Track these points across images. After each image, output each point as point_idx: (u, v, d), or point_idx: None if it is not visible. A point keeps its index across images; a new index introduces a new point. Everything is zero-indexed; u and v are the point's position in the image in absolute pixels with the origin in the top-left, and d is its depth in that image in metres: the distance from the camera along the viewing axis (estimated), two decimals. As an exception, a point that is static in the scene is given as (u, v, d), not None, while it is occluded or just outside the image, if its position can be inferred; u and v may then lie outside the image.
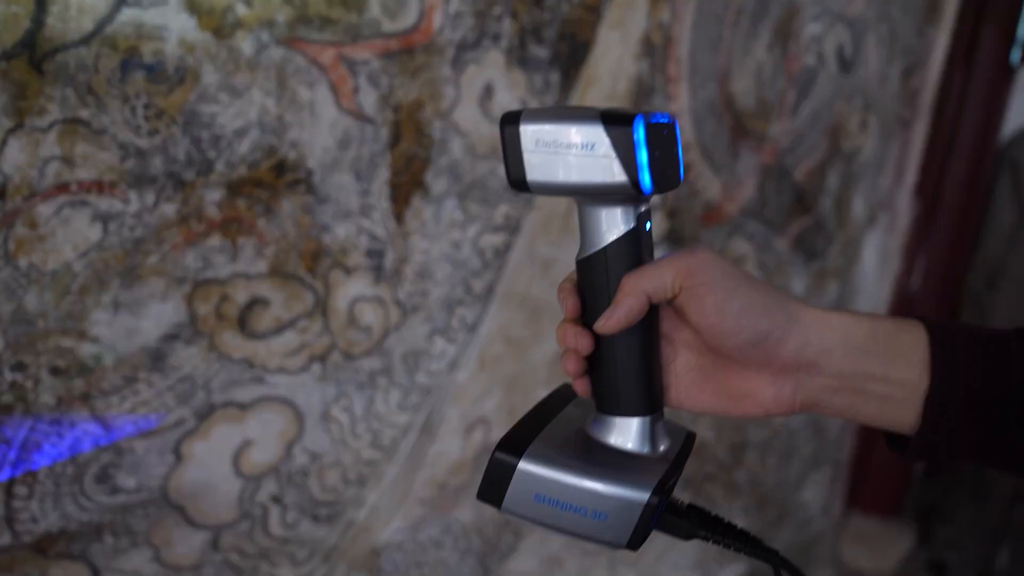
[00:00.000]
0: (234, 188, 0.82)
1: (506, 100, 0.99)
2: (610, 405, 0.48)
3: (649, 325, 0.46)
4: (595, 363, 0.48)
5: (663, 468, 0.46)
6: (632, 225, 0.45)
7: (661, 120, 0.43)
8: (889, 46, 1.59)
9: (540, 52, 1.01)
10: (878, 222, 1.75)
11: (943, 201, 1.78)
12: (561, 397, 0.53)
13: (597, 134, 0.42)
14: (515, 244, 1.07)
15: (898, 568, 1.99)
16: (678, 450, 0.48)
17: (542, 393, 1.17)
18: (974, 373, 0.44)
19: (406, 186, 0.94)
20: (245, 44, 0.79)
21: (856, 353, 0.44)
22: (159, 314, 0.80)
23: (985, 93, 1.72)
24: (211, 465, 0.89)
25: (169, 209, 0.78)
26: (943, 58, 1.69)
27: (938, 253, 1.81)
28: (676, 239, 1.29)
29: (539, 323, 1.14)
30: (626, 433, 0.47)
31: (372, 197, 0.92)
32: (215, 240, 0.82)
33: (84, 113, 0.71)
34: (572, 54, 1.04)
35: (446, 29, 0.92)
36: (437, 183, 0.97)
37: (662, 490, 0.45)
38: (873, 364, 0.44)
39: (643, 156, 0.41)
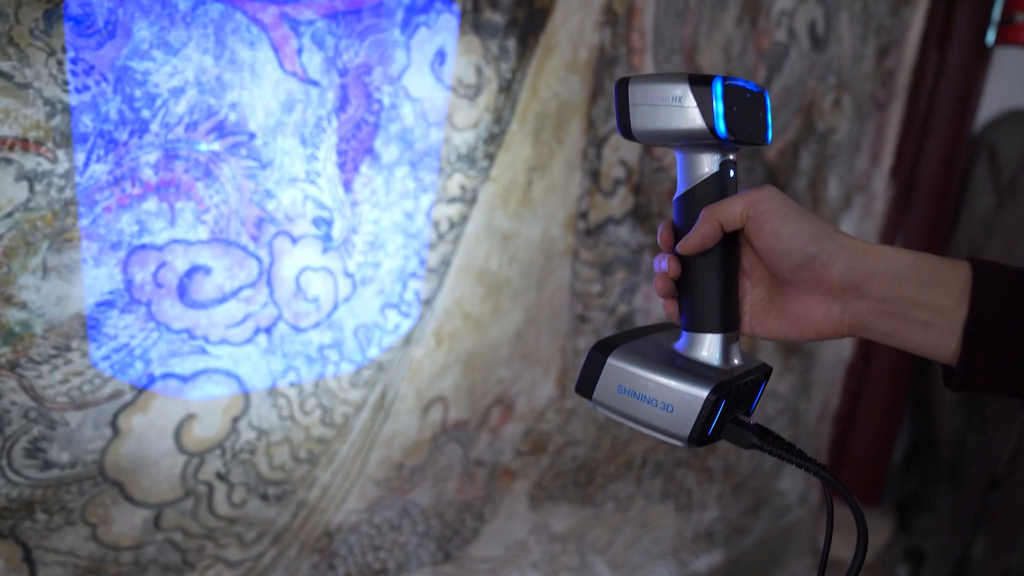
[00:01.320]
0: (171, 150, 0.79)
1: (460, 66, 0.97)
2: (690, 322, 0.55)
3: (726, 254, 0.54)
4: (681, 286, 0.56)
5: (727, 375, 0.53)
6: (716, 169, 0.53)
7: (745, 85, 0.52)
8: (863, 24, 1.57)
9: (496, 17, 0.98)
10: (854, 204, 1.73)
11: (920, 184, 1.76)
12: (661, 326, 0.61)
13: (684, 90, 0.51)
14: (472, 216, 1.04)
15: (876, 557, 1.97)
16: (748, 369, 0.55)
17: (502, 371, 1.15)
18: (1014, 305, 0.46)
19: (355, 152, 0.92)
20: (179, -1, 0.76)
21: (897, 280, 0.48)
22: (92, 280, 0.77)
23: (960, 74, 1.70)
24: (151, 439, 0.86)
25: (100, 170, 0.75)
26: (918, 38, 1.67)
27: (915, 236, 1.79)
28: (643, 216, 1.27)
29: (499, 298, 1.11)
30: (703, 346, 0.55)
31: (319, 163, 0.89)
32: (151, 204, 0.79)
33: (5, 66, 0.68)
34: (530, 20, 1.02)
35: (395, -10, 0.89)
36: (388, 150, 0.94)
37: (721, 391, 0.51)
38: (914, 290, 0.48)
39: (719, 108, 0.50)
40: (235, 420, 0.91)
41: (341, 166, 0.91)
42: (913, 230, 1.79)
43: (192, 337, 0.85)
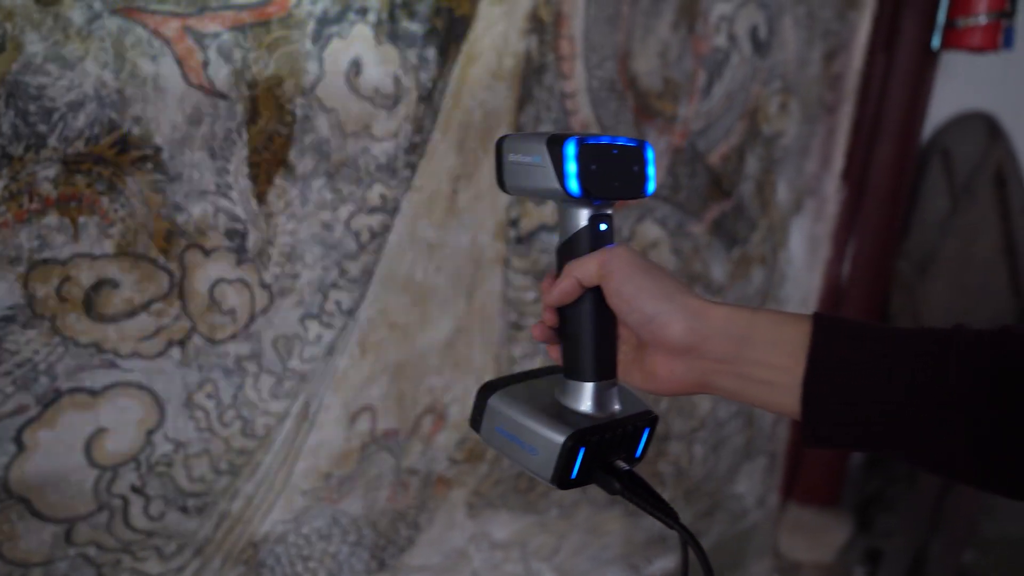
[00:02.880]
0: (71, 164, 0.79)
1: (377, 76, 0.97)
2: (567, 369, 0.58)
3: (595, 307, 0.56)
4: (558, 333, 0.59)
5: (590, 423, 0.55)
6: (584, 224, 0.56)
7: (612, 142, 0.55)
8: (808, 29, 1.57)
9: (414, 27, 0.98)
10: (805, 208, 1.73)
11: (871, 187, 1.77)
12: (551, 369, 0.63)
13: (541, 150, 0.55)
14: (394, 226, 1.04)
15: (835, 558, 1.98)
16: (623, 418, 0.57)
17: (432, 380, 1.14)
18: (852, 360, 0.46)
19: (267, 164, 0.92)
20: (74, 13, 0.75)
21: (735, 340, 0.50)
22: (-11, 296, 0.77)
23: (908, 78, 1.71)
24: (60, 455, 0.85)
25: (-7, 185, 0.75)
26: (865, 42, 1.68)
27: (867, 240, 1.80)
28: (578, 223, 1.27)
29: (426, 308, 1.11)
30: (575, 394, 0.57)
31: (229, 176, 0.89)
32: (51, 219, 0.79)
33: None
34: (450, 29, 1.02)
35: (304, 1, 0.89)
36: (302, 162, 0.94)
37: (579, 438, 0.53)
38: (752, 350, 0.49)
39: (571, 168, 0.53)
40: (150, 433, 0.91)
41: (253, 178, 0.91)
42: (866, 233, 1.79)
43: (100, 351, 0.85)
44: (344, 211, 0.99)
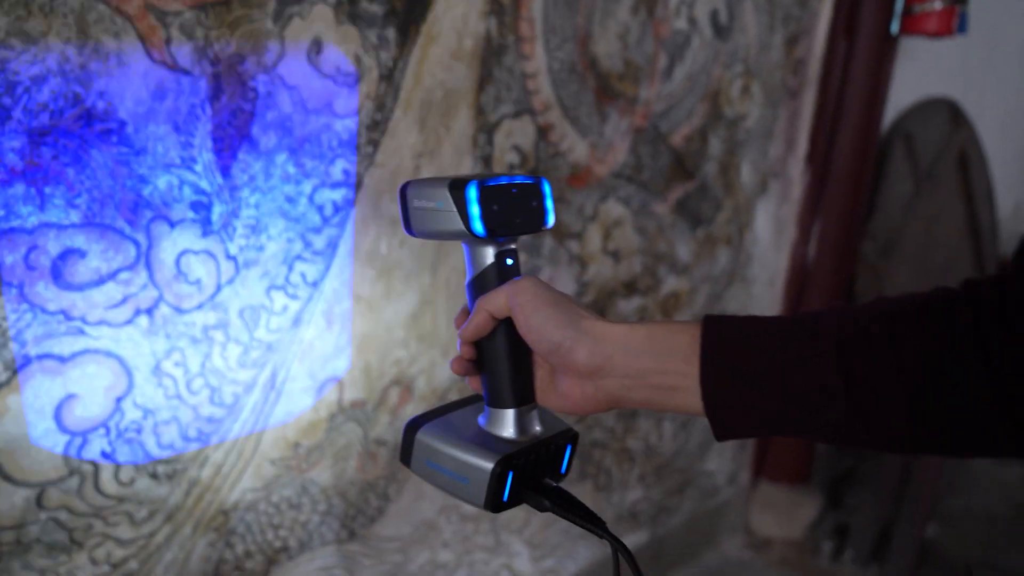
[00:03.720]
0: (37, 136, 0.82)
1: (337, 55, 1.00)
2: (488, 398, 0.61)
3: (508, 337, 0.59)
4: (477, 365, 0.61)
5: (515, 448, 0.57)
6: (492, 260, 0.59)
7: (511, 181, 0.58)
8: (769, 14, 1.61)
9: (373, 7, 1.02)
10: (770, 190, 1.77)
11: (834, 170, 1.81)
12: (475, 397, 0.66)
13: (444, 195, 0.57)
14: (358, 200, 1.08)
15: (804, 534, 2.02)
16: (546, 438, 0.59)
17: (398, 352, 1.18)
18: (738, 358, 0.50)
19: (231, 139, 0.95)
20: (37, -10, 0.78)
21: (635, 355, 0.53)
22: (-42, 263, 0.80)
23: (869, 63, 1.75)
24: (30, 419, 0.88)
25: (-39, 155, 0.78)
26: (827, 28, 1.72)
27: (832, 222, 1.84)
28: (541, 201, 1.30)
29: (390, 281, 1.15)
30: (498, 421, 0.60)
31: (194, 150, 0.92)
32: (18, 189, 0.81)
33: None
34: (410, 10, 1.05)
35: (264, -19, 0.92)
36: (266, 137, 0.97)
37: (507, 462, 0.56)
38: (652, 361, 0.53)
39: (475, 210, 0.56)
40: (118, 400, 0.94)
41: (218, 152, 0.94)
42: (831, 215, 1.84)
43: (68, 318, 0.88)
44: (308, 185, 1.02)
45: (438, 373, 1.25)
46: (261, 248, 1.01)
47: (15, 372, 0.86)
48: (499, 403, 0.59)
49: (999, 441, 0.47)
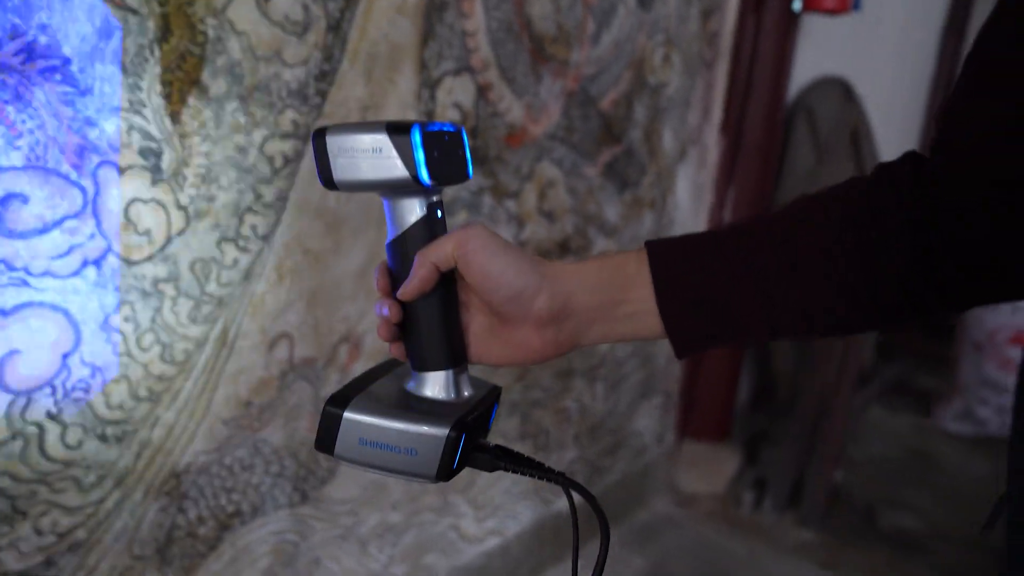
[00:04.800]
0: (-26, 71, 0.77)
1: (286, 2, 0.98)
2: (419, 362, 0.56)
3: (444, 292, 0.55)
4: (405, 328, 0.56)
5: (463, 409, 0.55)
6: (425, 212, 0.54)
7: (442, 128, 0.54)
8: (685, -12, 1.69)
9: (321, -45, 1.01)
10: (689, 156, 1.85)
11: (746, 139, 1.91)
12: (388, 364, 0.61)
13: (383, 140, 0.52)
14: (306, 152, 1.06)
15: (726, 487, 2.13)
16: (480, 397, 0.57)
17: (347, 308, 1.17)
18: (689, 272, 0.52)
19: (180, 84, 0.92)
20: (-26, -87, 0.74)
21: (592, 290, 0.54)
22: None
23: (775, 38, 1.86)
24: (-30, 377, 0.83)
25: None
26: (737, 3, 1.82)
27: (745, 188, 1.94)
28: (480, 159, 1.32)
29: (339, 235, 1.14)
30: (433, 384, 0.56)
31: (142, 93, 0.89)
32: (-46, 126, 0.77)
33: None
34: (356, -40, 1.05)
35: (212, -80, 0.90)
36: (216, 83, 0.95)
37: (461, 426, 0.53)
38: (609, 293, 0.54)
39: (420, 156, 0.51)
40: (65, 356, 0.90)
41: (167, 97, 0.91)
42: (744, 181, 1.94)
43: (11, 268, 0.83)
44: (258, 135, 1.00)
45: (387, 331, 1.25)
46: (212, 199, 0.98)
47: (-47, 325, 0.81)
48: (432, 365, 0.56)
49: (921, 307, 0.51)
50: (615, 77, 1.56)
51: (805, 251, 0.51)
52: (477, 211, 1.34)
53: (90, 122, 0.86)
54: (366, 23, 1.09)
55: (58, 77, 0.82)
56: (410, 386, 0.57)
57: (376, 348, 1.24)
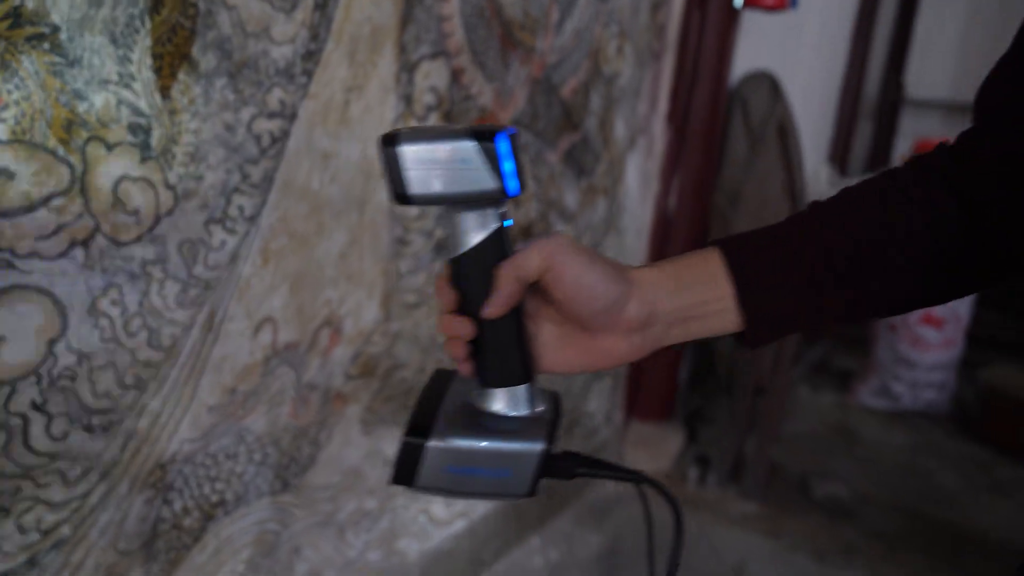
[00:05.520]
0: (-40, 38, 0.72)
1: (275, -24, 0.96)
2: (494, 379, 0.54)
3: (519, 306, 0.53)
4: (478, 345, 0.53)
5: (547, 423, 0.53)
6: (497, 224, 0.51)
7: (513, 132, 0.50)
8: (637, -21, 1.74)
9: (308, -70, 0.99)
10: (638, 145, 1.91)
11: (691, 130, 1.98)
12: (441, 380, 0.58)
13: (470, 149, 0.48)
14: (292, 132, 1.04)
15: (671, 464, 2.21)
16: (553, 407, 0.56)
17: (329, 292, 1.16)
18: (765, 266, 0.54)
19: (171, 58, 0.88)
20: None
21: (675, 294, 0.54)
22: None
23: (718, 32, 1.94)
24: (-48, 365, 0.78)
25: None
26: (682, -3, 1.88)
27: (689, 176, 2.01)
28: (456, 143, 1.33)
29: (322, 218, 1.12)
30: (511, 400, 0.54)
31: (132, 66, 0.85)
32: (-61, 96, 0.72)
33: None
34: (341, -63, 1.03)
35: None
36: (205, 58, 0.92)
37: (550, 440, 0.52)
38: (690, 296, 0.54)
39: (510, 165, 0.48)
40: (51, 343, 0.85)
41: (157, 71, 0.88)
42: (688, 170, 2.01)
43: (-4, 249, 0.79)
44: (246, 113, 0.98)
45: (364, 315, 1.24)
46: (200, 178, 0.95)
47: (-64, 310, 0.75)
48: (509, 381, 0.53)
49: (980, 281, 0.57)
50: (575, 66, 1.59)
51: (874, 235, 0.54)
52: (450, 195, 1.34)
53: (79, 95, 0.82)
54: (350, 3, 1.08)
55: (46, 45, 0.78)
56: (481, 402, 0.54)
57: (355, 332, 1.23)
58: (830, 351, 3.06)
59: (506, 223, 0.52)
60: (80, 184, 0.84)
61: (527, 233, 1.58)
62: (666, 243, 2.02)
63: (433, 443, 0.51)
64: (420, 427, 0.52)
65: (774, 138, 2.46)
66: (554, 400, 0.57)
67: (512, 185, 0.49)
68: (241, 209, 1.01)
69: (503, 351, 0.53)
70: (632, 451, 2.18)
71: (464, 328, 0.53)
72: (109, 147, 0.85)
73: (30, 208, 0.80)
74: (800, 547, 1.91)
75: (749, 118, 2.28)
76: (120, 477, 0.96)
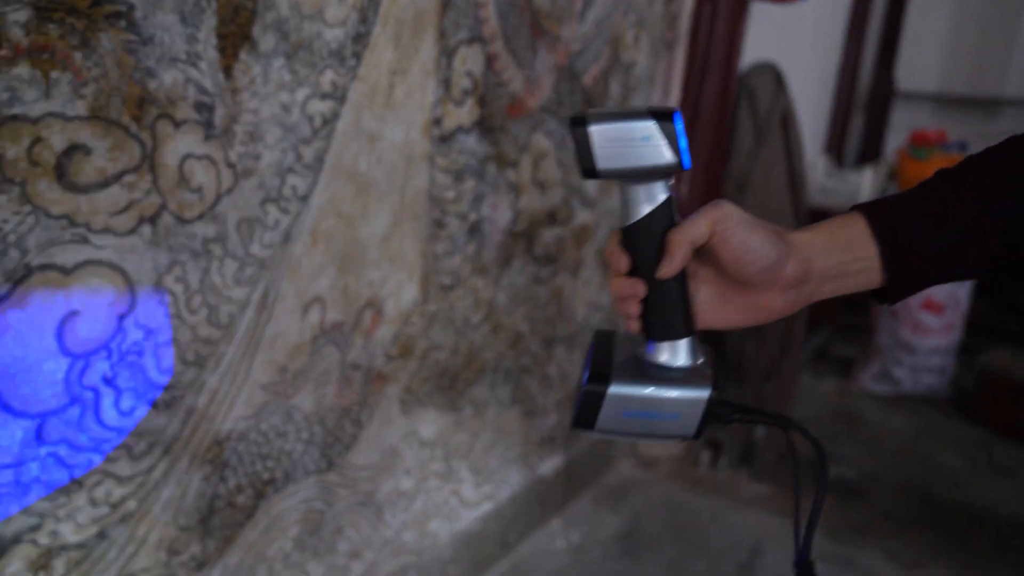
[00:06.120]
0: (43, 12, 0.73)
1: (329, -41, 0.98)
2: (662, 333, 0.59)
3: (685, 267, 0.59)
4: (648, 303, 0.59)
5: (708, 371, 0.59)
6: (667, 195, 0.57)
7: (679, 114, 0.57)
8: (652, -30, 1.77)
9: (359, -86, 1.01)
10: (650, 135, 1.93)
11: (701, 118, 2.02)
12: (604, 338, 0.64)
13: (652, 128, 0.54)
14: (342, 114, 1.06)
15: (683, 449, 2.24)
16: (712, 359, 0.61)
17: (372, 273, 1.18)
18: (905, 226, 0.59)
19: (234, 37, 0.90)
20: None
21: (828, 254, 0.59)
22: (-40, 153, 0.70)
23: (728, 23, 1.97)
24: (31, 339, 0.79)
25: (-34, 26, 0.68)
26: (695, -13, 1.91)
27: (701, 163, 2.05)
28: (487, 128, 1.35)
29: (367, 200, 1.14)
30: (677, 352, 0.59)
31: (199, 45, 0.87)
32: (23, 69, 0.73)
33: None
34: (389, -78, 1.05)
35: None
36: (265, 39, 0.93)
37: (715, 386, 0.57)
38: (841, 256, 0.59)
39: (684, 142, 0.55)
40: (121, 318, 0.86)
41: (221, 50, 0.89)
42: (700, 158, 2.04)
43: (73, 224, 0.80)
44: (300, 94, 0.99)
45: (404, 296, 1.26)
46: (258, 157, 0.96)
47: (16, 283, 0.77)
48: (675, 335, 0.59)
49: None
50: (596, 54, 1.62)
51: (1007, 205, 0.57)
52: (482, 179, 1.37)
53: (151, 72, 0.83)
54: (394, -14, 1.09)
55: (123, 23, 0.79)
56: (650, 354, 0.60)
57: (396, 313, 1.24)
58: (830, 339, 3.12)
59: (672, 195, 0.58)
60: (150, 161, 0.85)
61: (551, 218, 1.60)
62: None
63: (612, 390, 0.57)
64: (600, 376, 0.58)
65: (777, 129, 2.50)
66: (711, 353, 0.62)
67: (687, 160, 0.55)
68: (294, 189, 1.02)
69: (670, 308, 0.59)
70: (645, 436, 2.21)
71: (637, 288, 0.58)
72: (176, 124, 0.87)
73: (104, 184, 0.82)
74: (813, 526, 1.95)
75: (756, 108, 2.32)
76: (181, 453, 0.97)
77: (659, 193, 0.57)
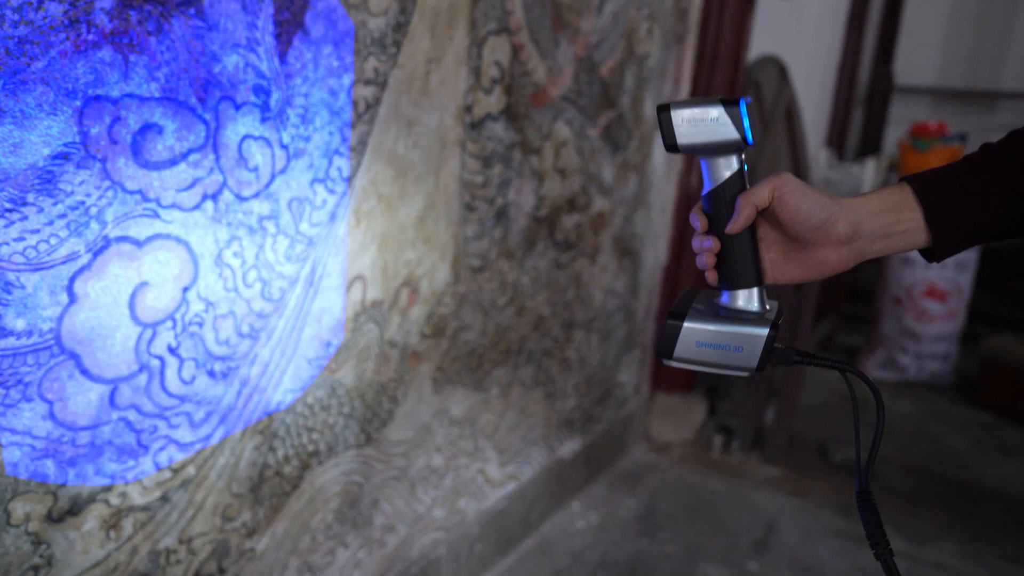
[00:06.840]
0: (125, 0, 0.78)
1: (373, -49, 1.03)
2: (734, 282, 0.69)
3: (752, 227, 0.69)
4: (723, 257, 0.70)
5: (774, 314, 0.69)
6: (739, 166, 0.68)
7: (749, 101, 0.67)
8: (664, -35, 1.82)
9: (400, -91, 1.06)
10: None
11: (710, 109, 2.07)
12: (690, 292, 0.74)
13: (720, 111, 0.65)
14: (384, 99, 1.11)
15: (696, 434, 2.29)
16: (778, 308, 0.71)
17: (408, 253, 1.23)
18: (947, 192, 0.67)
19: (288, 25, 0.95)
20: None
21: (877, 217, 0.67)
22: (47, 129, 0.75)
23: (736, 17, 2.03)
24: (107, 308, 0.84)
25: (55, 8, 0.73)
26: (704, -18, 1.97)
27: (709, 155, 2.10)
28: (513, 115, 1.40)
29: (405, 182, 1.19)
30: (747, 298, 0.69)
31: (258, 32, 0.92)
32: (106, 53, 0.78)
33: None
34: (427, -84, 1.10)
35: None
36: (316, 27, 0.98)
37: (775, 327, 0.67)
38: (888, 218, 0.67)
39: (747, 122, 0.65)
40: (185, 290, 0.91)
41: (276, 36, 0.94)
42: (707, 149, 2.09)
43: (145, 199, 0.85)
44: (346, 79, 1.04)
45: (438, 276, 1.31)
46: (308, 139, 1.01)
47: (95, 255, 0.81)
48: (745, 283, 0.69)
49: None
50: (612, 46, 1.67)
51: None
52: (509, 165, 1.42)
53: (215, 57, 0.88)
54: (430, -22, 1.15)
55: (193, 11, 0.84)
56: (724, 302, 0.70)
57: (429, 292, 1.29)
58: (835, 328, 3.17)
59: (744, 167, 0.69)
60: (213, 141, 0.90)
61: (571, 204, 1.65)
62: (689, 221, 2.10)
63: (688, 324, 0.67)
64: (679, 313, 0.68)
65: (782, 121, 2.56)
66: (780, 306, 0.72)
67: (750, 136, 0.65)
68: (340, 170, 1.07)
69: (739, 260, 0.69)
70: (658, 421, 2.26)
71: (715, 244, 0.69)
72: (237, 106, 0.92)
73: (173, 162, 0.87)
74: (825, 505, 2.00)
75: (761, 100, 2.37)
76: (235, 422, 1.02)
77: (731, 165, 0.67)
